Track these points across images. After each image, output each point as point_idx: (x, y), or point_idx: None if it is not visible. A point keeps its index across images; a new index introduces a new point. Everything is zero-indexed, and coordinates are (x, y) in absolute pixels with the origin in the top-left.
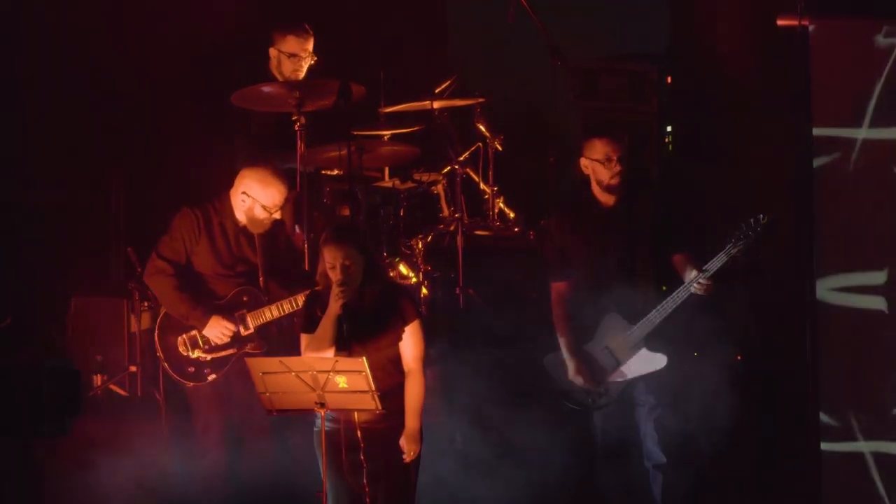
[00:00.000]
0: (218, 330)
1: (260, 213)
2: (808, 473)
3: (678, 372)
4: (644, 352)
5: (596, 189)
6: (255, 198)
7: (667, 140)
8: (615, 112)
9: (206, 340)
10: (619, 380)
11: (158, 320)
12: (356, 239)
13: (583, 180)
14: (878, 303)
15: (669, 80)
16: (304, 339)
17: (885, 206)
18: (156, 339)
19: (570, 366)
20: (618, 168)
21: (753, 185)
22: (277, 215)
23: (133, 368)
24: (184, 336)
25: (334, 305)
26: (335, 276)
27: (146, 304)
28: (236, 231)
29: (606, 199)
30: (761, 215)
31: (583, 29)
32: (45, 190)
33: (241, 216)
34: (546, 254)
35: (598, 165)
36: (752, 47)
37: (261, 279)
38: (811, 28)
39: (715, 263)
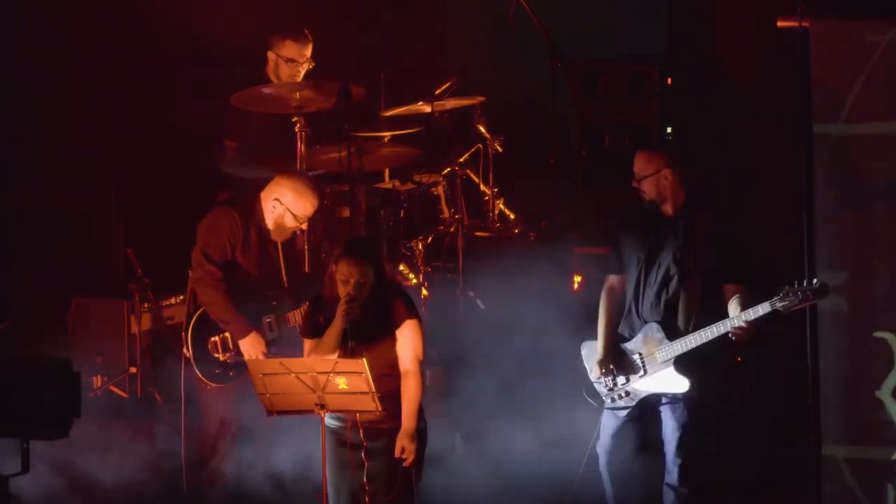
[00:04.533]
0: (254, 346)
1: (290, 222)
2: (809, 476)
3: (701, 395)
4: (671, 371)
5: None
6: (288, 206)
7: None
8: (615, 113)
9: (237, 345)
10: (641, 388)
11: (193, 321)
12: (373, 257)
13: None
14: (839, 304)
15: (669, 81)
16: (308, 344)
17: (848, 203)
18: (188, 338)
19: (598, 357)
20: (636, 185)
21: (753, 185)
22: (305, 226)
23: (133, 370)
24: (216, 338)
25: (340, 321)
26: (346, 290)
27: (146, 305)
28: (265, 236)
29: (665, 208)
30: (815, 280)
31: (583, 30)
32: (46, 190)
33: (269, 222)
34: (609, 245)
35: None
36: (752, 48)
37: (286, 284)
38: (811, 28)
39: (758, 311)
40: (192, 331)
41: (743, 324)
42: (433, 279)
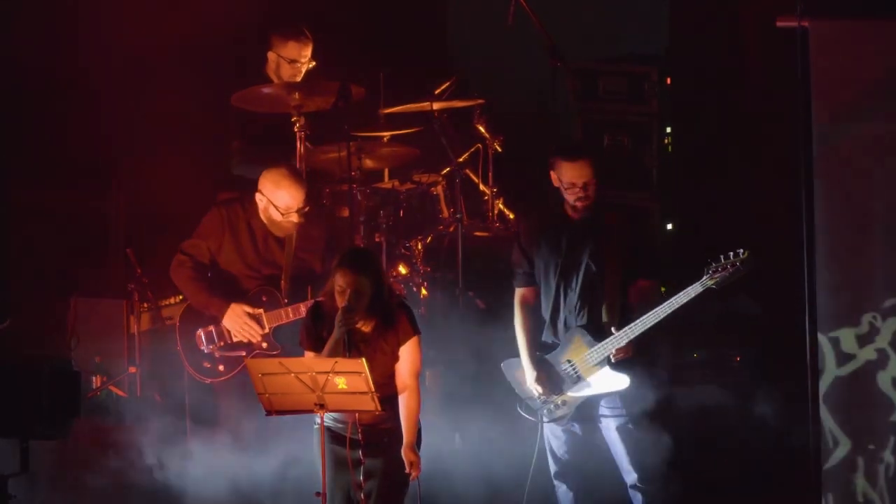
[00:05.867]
0: (238, 318)
1: (275, 215)
2: (808, 476)
3: (652, 385)
4: (607, 370)
5: (566, 202)
6: (269, 198)
7: (666, 141)
8: (614, 113)
9: (223, 337)
10: (578, 395)
11: (181, 313)
12: (371, 268)
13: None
14: (840, 303)
15: (669, 81)
16: (309, 357)
17: (849, 202)
18: (176, 331)
19: (529, 374)
20: (581, 193)
21: (753, 185)
22: (294, 219)
23: (133, 369)
24: (201, 331)
25: (338, 332)
26: (343, 300)
27: (146, 304)
28: (265, 233)
29: (573, 213)
30: (741, 250)
31: (582, 30)
32: (45, 190)
33: (262, 217)
34: (513, 257)
35: (563, 190)
36: (752, 48)
37: (283, 283)
38: (810, 28)
39: (689, 293)
40: (180, 325)
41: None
42: (432, 279)
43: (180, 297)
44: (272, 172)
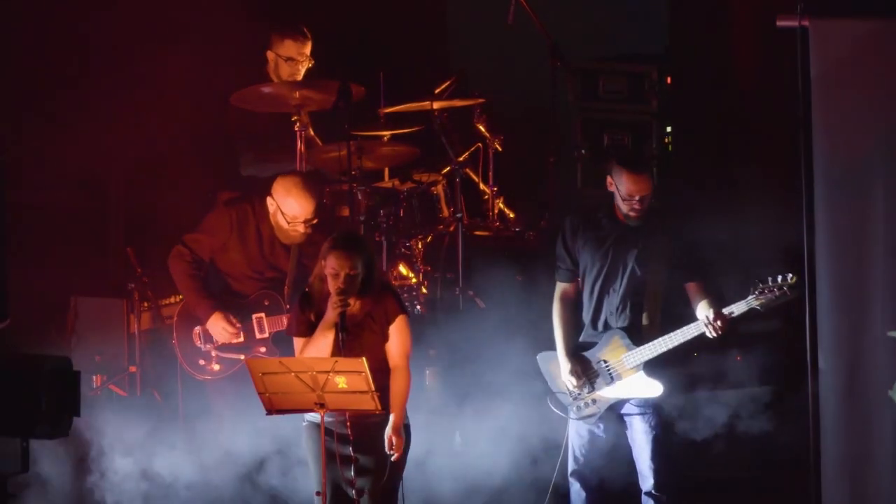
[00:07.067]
0: (218, 327)
1: (282, 222)
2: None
3: (677, 395)
4: (641, 375)
5: (617, 205)
6: (278, 203)
7: (666, 140)
8: (615, 113)
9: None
10: (609, 395)
11: (179, 308)
12: (363, 249)
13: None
14: (840, 302)
15: (669, 80)
16: (299, 343)
17: (849, 201)
18: (174, 326)
19: (565, 366)
20: (638, 206)
21: (753, 184)
22: (300, 229)
23: (132, 369)
24: (199, 328)
25: (332, 314)
26: (336, 284)
27: (146, 304)
28: (272, 237)
29: (622, 216)
30: (790, 275)
31: (583, 29)
32: (45, 190)
33: (272, 220)
34: (557, 252)
35: (619, 197)
36: (752, 47)
37: (286, 289)
38: (811, 28)
39: (732, 310)
40: (178, 319)
41: (719, 324)
42: (432, 278)
43: (180, 296)
44: (285, 179)
